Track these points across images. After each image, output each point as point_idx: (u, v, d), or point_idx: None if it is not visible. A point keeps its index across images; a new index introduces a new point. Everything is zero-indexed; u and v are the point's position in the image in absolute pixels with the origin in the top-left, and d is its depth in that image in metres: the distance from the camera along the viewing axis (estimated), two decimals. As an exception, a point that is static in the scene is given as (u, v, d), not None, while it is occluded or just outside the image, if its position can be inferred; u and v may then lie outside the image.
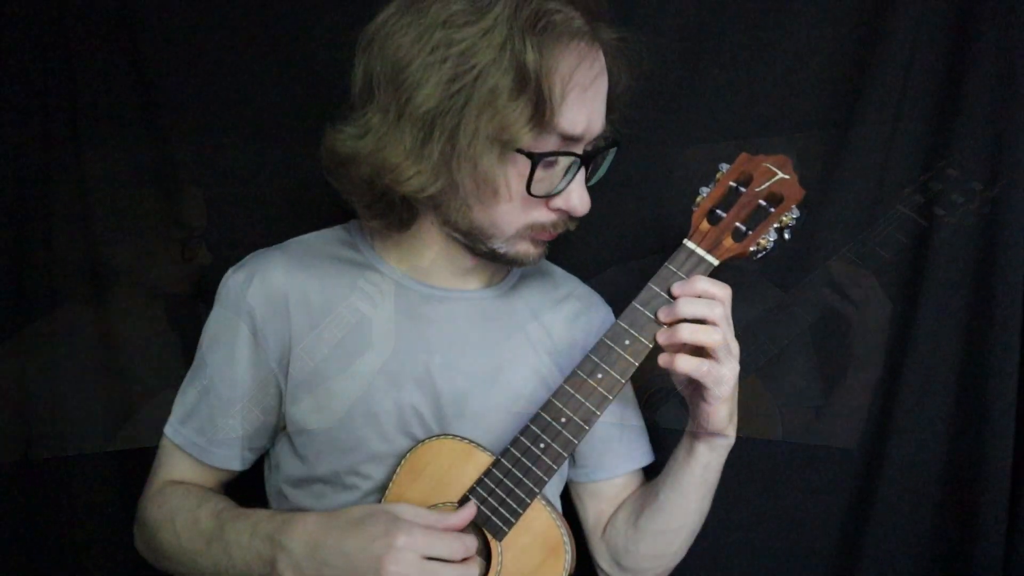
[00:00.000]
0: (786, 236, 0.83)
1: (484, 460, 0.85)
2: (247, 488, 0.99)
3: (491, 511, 0.83)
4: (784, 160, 0.84)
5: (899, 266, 1.13)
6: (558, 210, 0.86)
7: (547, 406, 0.83)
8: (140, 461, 1.04)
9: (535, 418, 0.83)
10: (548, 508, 0.85)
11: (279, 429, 0.94)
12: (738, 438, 0.88)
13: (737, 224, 0.83)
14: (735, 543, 1.16)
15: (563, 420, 0.82)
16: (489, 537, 0.83)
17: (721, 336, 0.79)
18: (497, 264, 0.93)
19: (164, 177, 1.18)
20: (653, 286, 0.82)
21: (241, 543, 0.83)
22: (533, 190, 0.82)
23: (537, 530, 0.85)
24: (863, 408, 1.16)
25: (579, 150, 0.84)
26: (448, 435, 0.87)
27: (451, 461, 0.85)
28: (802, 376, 1.16)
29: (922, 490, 1.13)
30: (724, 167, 0.85)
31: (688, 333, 0.78)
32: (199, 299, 1.17)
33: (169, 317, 1.20)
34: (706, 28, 1.14)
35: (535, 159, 0.80)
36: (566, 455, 0.82)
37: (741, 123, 1.13)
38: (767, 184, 0.83)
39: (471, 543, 0.79)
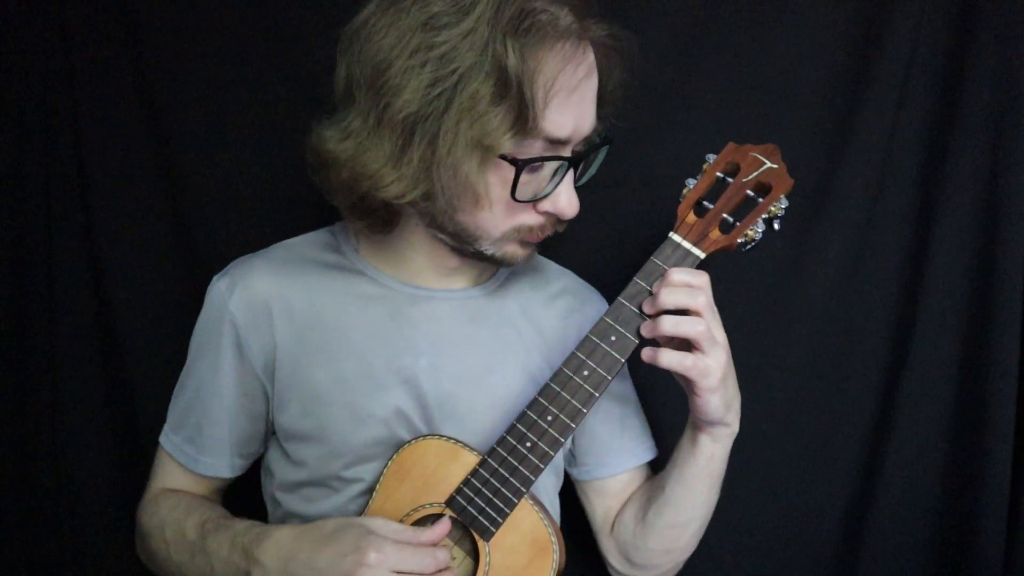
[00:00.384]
0: (775, 227, 0.81)
1: (471, 460, 0.84)
2: (245, 493, 1.00)
3: (478, 511, 0.82)
4: (772, 148, 0.82)
5: (899, 266, 1.12)
6: (546, 213, 0.84)
7: (533, 404, 0.82)
8: (140, 464, 1.05)
9: (521, 416, 0.82)
10: (536, 507, 0.84)
11: (270, 435, 0.94)
12: (738, 438, 0.87)
13: (724, 215, 0.81)
14: (735, 543, 1.15)
15: (549, 418, 0.81)
16: (477, 537, 0.83)
17: (705, 326, 0.77)
18: (484, 264, 0.92)
19: (164, 178, 1.18)
20: (639, 280, 0.81)
21: (221, 555, 0.83)
22: (518, 195, 0.80)
23: (525, 529, 0.84)
24: (863, 408, 1.15)
25: (566, 152, 0.82)
26: (434, 435, 0.86)
27: (438, 461, 0.85)
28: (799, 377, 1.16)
29: (922, 490, 1.12)
30: (711, 157, 0.83)
31: (671, 325, 0.77)
32: (198, 299, 1.18)
33: (169, 318, 1.20)
34: (702, 24, 1.12)
35: (519, 165, 0.78)
36: (553, 453, 0.81)
37: (738, 121, 1.12)
38: (755, 174, 0.81)
39: (443, 557, 0.78)
